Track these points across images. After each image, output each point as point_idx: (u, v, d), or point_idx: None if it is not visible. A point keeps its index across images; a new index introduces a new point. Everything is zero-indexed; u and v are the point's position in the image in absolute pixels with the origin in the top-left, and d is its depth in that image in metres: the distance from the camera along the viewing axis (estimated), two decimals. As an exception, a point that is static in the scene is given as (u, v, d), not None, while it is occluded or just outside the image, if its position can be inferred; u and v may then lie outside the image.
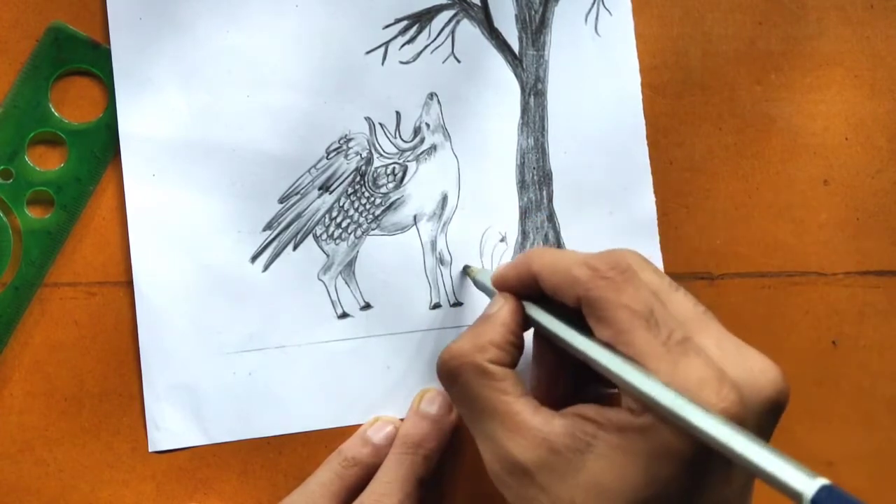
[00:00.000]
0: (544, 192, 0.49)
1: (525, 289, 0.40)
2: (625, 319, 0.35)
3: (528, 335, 0.41)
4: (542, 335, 0.40)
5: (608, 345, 0.36)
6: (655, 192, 0.49)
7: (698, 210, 0.50)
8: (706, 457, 0.33)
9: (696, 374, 0.33)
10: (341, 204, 0.48)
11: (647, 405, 0.33)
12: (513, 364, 0.39)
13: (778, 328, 0.49)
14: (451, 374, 0.39)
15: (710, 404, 0.33)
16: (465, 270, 0.48)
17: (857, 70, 0.51)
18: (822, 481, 0.29)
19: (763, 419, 0.35)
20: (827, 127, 0.50)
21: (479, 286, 0.46)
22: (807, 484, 0.29)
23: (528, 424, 0.36)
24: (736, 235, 0.50)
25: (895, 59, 0.51)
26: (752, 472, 0.30)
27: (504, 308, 0.40)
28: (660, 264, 0.49)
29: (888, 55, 0.51)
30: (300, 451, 0.47)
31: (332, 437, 0.47)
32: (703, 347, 0.35)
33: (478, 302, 0.48)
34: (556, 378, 0.41)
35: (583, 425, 0.35)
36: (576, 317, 0.38)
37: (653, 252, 0.49)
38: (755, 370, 0.35)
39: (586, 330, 0.37)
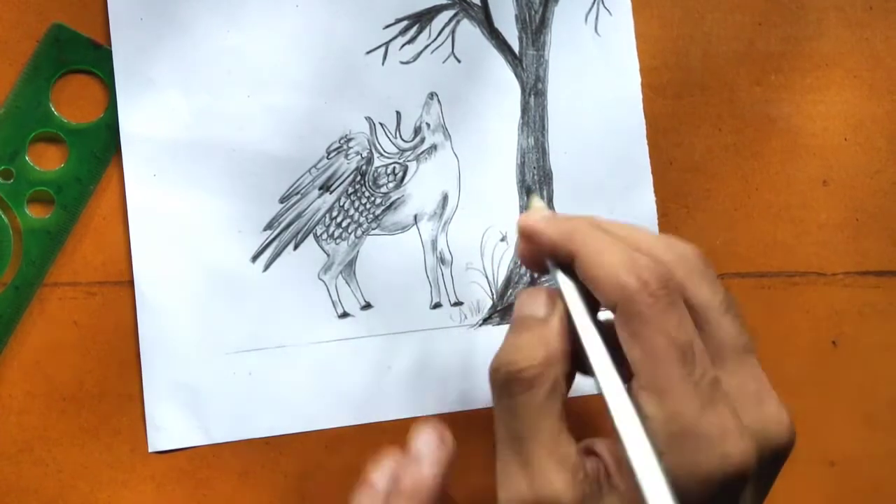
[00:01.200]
0: (544, 192, 0.49)
1: (554, 256, 0.36)
2: (661, 346, 0.32)
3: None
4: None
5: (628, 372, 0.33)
6: (655, 193, 0.49)
7: (698, 210, 0.49)
8: None
9: (719, 423, 0.32)
10: (342, 203, 0.48)
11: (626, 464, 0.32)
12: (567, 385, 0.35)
13: (778, 328, 0.49)
14: (525, 383, 0.34)
15: (728, 456, 0.32)
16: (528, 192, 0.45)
17: (857, 71, 0.51)
18: None
19: (768, 467, 0.34)
20: (826, 127, 0.50)
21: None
22: None
23: (571, 458, 0.33)
24: (736, 235, 0.49)
25: (894, 60, 0.51)
26: None
27: (556, 315, 0.35)
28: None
29: (887, 56, 0.51)
30: (301, 451, 0.46)
31: (332, 438, 0.46)
32: (729, 390, 0.33)
33: (477, 303, 0.48)
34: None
35: (598, 466, 0.33)
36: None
37: (653, 252, 0.49)
38: (770, 421, 0.34)
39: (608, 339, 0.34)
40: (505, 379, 0.34)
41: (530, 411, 0.33)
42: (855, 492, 0.48)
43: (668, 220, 0.49)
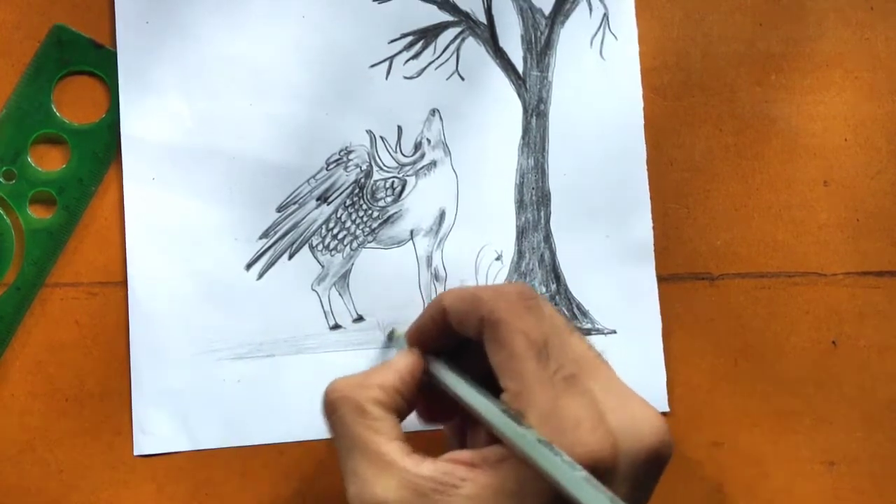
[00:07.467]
0: (542, 213, 0.48)
1: (438, 330, 0.39)
2: (519, 345, 0.35)
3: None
4: (442, 390, 0.39)
5: (492, 385, 0.36)
6: (656, 193, 0.48)
7: (698, 210, 0.49)
8: None
9: (574, 412, 0.34)
10: (339, 215, 0.47)
11: (510, 448, 0.34)
12: (396, 412, 0.38)
13: (778, 328, 0.48)
14: (331, 406, 0.38)
15: (582, 444, 0.33)
16: (390, 336, 0.46)
17: (857, 71, 0.50)
18: None
19: (641, 469, 0.34)
20: (826, 128, 0.49)
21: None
22: None
23: (396, 465, 0.35)
24: (736, 236, 0.49)
25: (895, 60, 0.50)
26: None
27: (403, 359, 0.39)
28: (654, 283, 0.48)
29: (887, 56, 0.50)
30: (302, 452, 0.45)
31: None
32: (589, 389, 0.35)
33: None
34: (462, 436, 0.40)
35: (454, 468, 0.34)
36: (480, 375, 0.37)
37: (647, 277, 0.48)
38: (637, 418, 0.35)
39: (487, 390, 0.37)
40: (322, 403, 0.38)
41: (343, 429, 0.37)
42: (855, 492, 0.48)
43: (668, 220, 0.48)
